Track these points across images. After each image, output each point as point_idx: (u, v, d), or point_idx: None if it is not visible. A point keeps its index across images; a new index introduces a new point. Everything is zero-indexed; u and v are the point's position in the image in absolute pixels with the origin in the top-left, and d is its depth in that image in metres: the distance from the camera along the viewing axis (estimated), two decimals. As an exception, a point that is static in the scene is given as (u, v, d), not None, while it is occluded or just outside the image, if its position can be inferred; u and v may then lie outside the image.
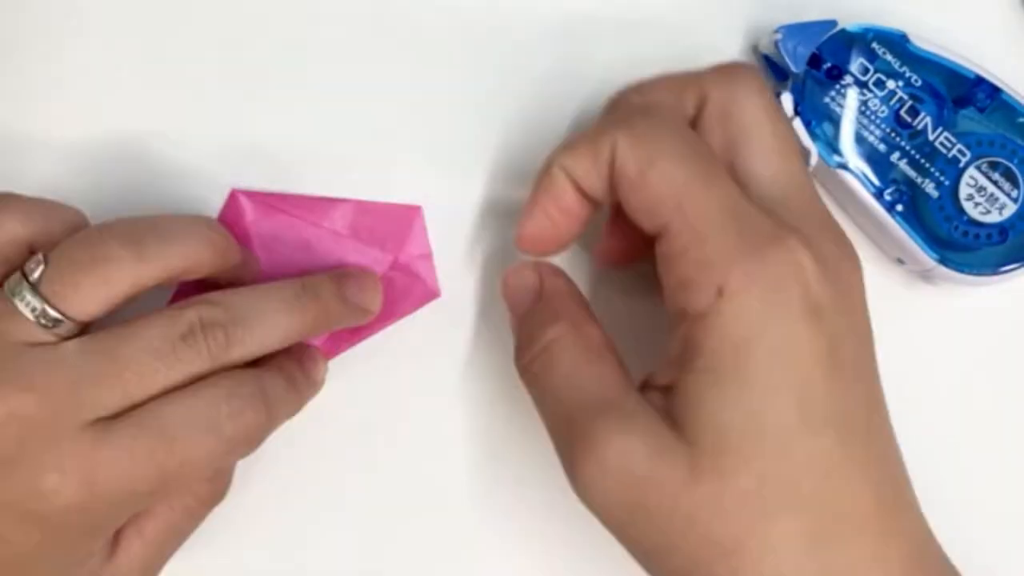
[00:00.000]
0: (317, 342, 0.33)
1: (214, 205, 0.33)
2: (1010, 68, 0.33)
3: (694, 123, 0.29)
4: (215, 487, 0.30)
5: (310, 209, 0.33)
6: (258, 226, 0.33)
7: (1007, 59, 0.34)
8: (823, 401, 0.25)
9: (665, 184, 0.26)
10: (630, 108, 0.29)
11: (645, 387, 0.27)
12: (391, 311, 0.33)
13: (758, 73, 0.29)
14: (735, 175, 0.27)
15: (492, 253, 0.34)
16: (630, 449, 0.25)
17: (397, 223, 0.34)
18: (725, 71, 0.29)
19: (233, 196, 0.33)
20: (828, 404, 0.25)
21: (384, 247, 0.33)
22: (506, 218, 0.34)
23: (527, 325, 0.29)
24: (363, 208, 0.33)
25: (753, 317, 0.24)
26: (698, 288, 0.25)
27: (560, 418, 0.27)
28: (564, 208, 0.29)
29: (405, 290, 0.33)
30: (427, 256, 0.34)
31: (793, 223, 0.26)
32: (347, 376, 0.33)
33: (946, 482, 0.35)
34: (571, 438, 0.26)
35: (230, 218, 0.33)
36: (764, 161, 0.28)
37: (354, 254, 0.33)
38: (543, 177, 0.28)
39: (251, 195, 0.33)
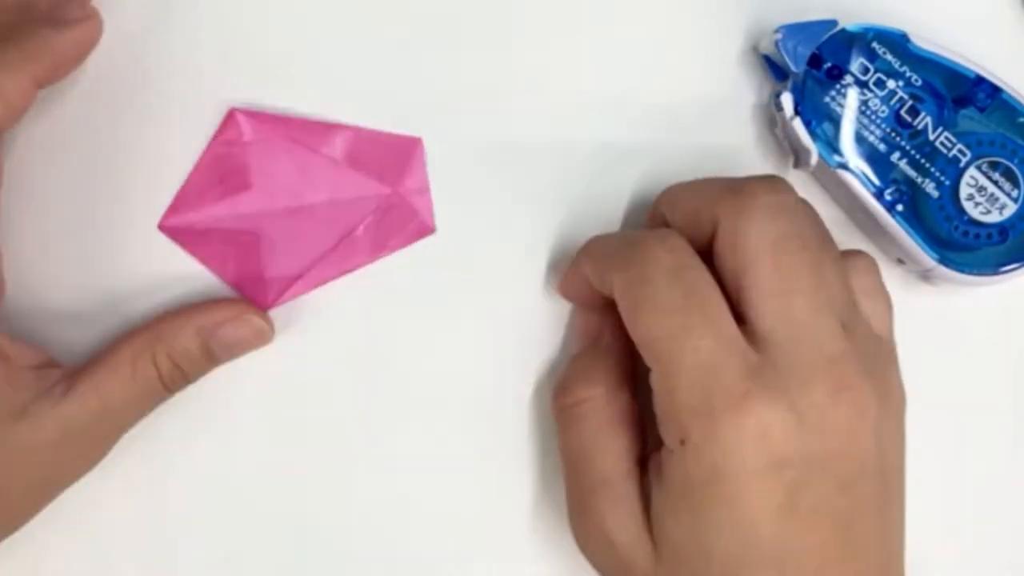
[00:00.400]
0: (303, 273, 0.33)
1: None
2: (1010, 68, 0.33)
3: (710, 246, 0.29)
4: (174, 373, 0.31)
5: (309, 133, 0.33)
6: (255, 147, 0.33)
7: (1007, 59, 0.34)
8: (768, 542, 0.27)
9: (645, 334, 0.28)
10: (643, 244, 0.29)
11: (644, 462, 0.30)
12: (383, 243, 0.33)
13: (777, 192, 0.29)
14: (740, 307, 0.28)
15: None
16: (611, 531, 0.29)
17: (396, 154, 0.34)
18: (739, 194, 0.28)
19: (231, 115, 0.33)
20: (773, 545, 0.27)
21: (381, 178, 0.33)
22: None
23: (573, 370, 0.32)
24: (363, 136, 0.33)
25: (708, 469, 0.27)
26: (666, 430, 0.28)
27: (570, 473, 0.31)
28: (584, 297, 0.32)
29: (400, 223, 0.33)
30: (424, 190, 0.34)
31: (779, 370, 0.27)
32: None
33: (945, 482, 0.35)
34: (572, 498, 0.31)
35: (227, 137, 0.33)
36: (761, 299, 0.27)
37: (350, 183, 0.33)
38: (571, 266, 0.32)
39: (250, 114, 0.33)
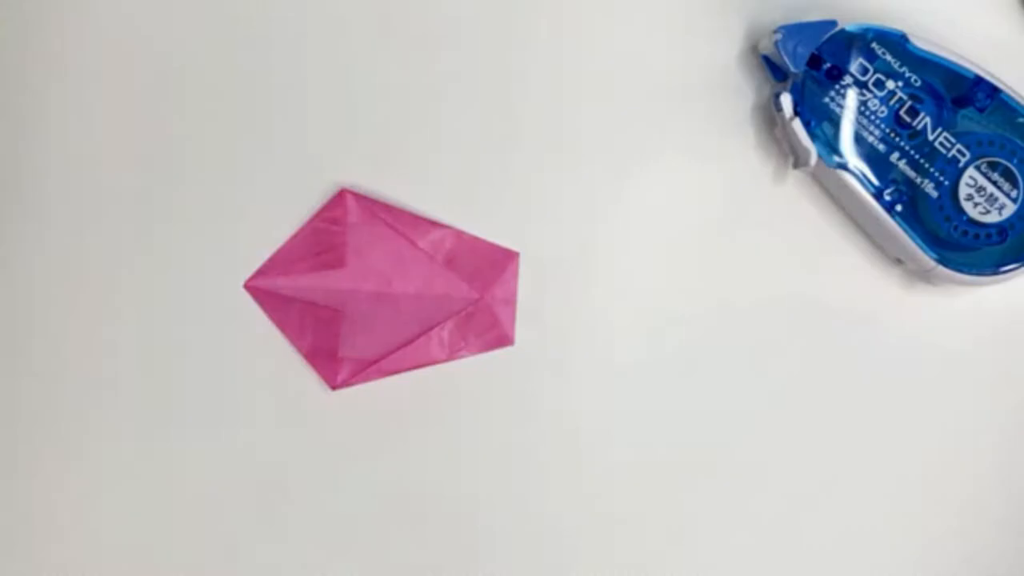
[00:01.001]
0: (377, 360, 0.34)
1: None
2: (1010, 68, 0.33)
3: None
4: None
5: (412, 226, 0.34)
6: (358, 229, 0.34)
7: (1007, 59, 0.34)
8: None
9: None
10: None
11: None
12: (461, 345, 0.34)
13: None
14: None
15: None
16: None
17: (491, 263, 0.34)
18: None
19: (341, 195, 0.34)
20: None
21: (472, 282, 0.34)
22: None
23: None
24: (463, 240, 0.34)
25: None
26: None
27: None
28: None
29: (481, 329, 0.34)
30: (511, 302, 0.34)
31: None
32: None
33: (946, 482, 0.35)
34: None
35: (333, 215, 0.34)
36: None
37: (441, 280, 0.34)
38: None
39: (360, 198, 0.34)
